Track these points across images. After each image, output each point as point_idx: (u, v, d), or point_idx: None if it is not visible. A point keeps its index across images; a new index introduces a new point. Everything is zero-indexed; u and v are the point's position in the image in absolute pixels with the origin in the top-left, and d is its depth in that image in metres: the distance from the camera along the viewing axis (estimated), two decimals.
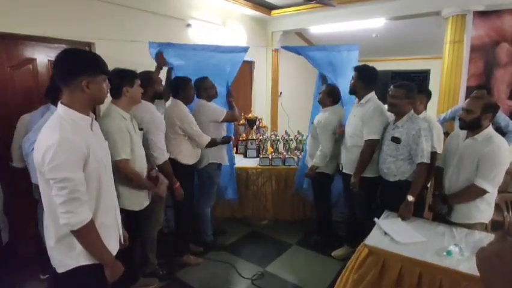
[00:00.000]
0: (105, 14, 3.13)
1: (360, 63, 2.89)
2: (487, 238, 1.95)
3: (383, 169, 2.50)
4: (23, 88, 2.74)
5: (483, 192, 2.03)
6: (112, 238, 1.51)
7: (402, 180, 2.39)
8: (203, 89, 2.92)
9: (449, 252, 1.73)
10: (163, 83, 2.75)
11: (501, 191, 2.43)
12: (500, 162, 2.00)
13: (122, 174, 1.98)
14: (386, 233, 1.98)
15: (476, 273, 1.50)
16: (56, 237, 1.35)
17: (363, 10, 4.18)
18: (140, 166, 2.17)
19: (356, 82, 2.72)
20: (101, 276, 1.44)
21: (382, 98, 2.68)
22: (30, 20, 2.64)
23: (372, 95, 2.68)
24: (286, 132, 4.07)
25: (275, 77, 5.50)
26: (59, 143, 1.22)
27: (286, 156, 3.71)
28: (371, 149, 2.59)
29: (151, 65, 2.88)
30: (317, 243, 3.25)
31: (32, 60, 2.79)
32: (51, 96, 2.27)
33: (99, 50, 2.86)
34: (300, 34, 5.86)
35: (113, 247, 1.51)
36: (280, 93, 5.61)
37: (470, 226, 2.10)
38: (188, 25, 3.99)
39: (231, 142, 3.27)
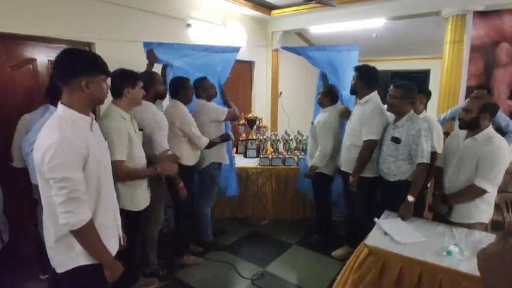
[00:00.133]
0: (105, 14, 3.13)
1: (361, 63, 2.89)
2: (486, 238, 1.95)
3: (383, 169, 2.50)
4: (23, 88, 2.74)
5: (483, 192, 2.03)
6: (112, 238, 1.51)
7: (402, 180, 2.39)
8: (203, 89, 2.92)
9: (449, 252, 1.73)
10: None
11: (501, 190, 2.44)
12: (500, 162, 2.01)
13: (118, 175, 1.96)
14: (386, 233, 1.98)
15: (476, 273, 1.50)
16: (55, 237, 1.35)
17: (363, 10, 4.18)
18: (140, 167, 2.16)
19: (356, 82, 2.72)
20: (100, 277, 1.44)
21: (382, 98, 2.68)
22: (30, 20, 2.64)
23: (372, 95, 2.68)
24: (286, 132, 4.07)
25: (275, 77, 5.50)
26: (58, 143, 1.22)
27: (286, 156, 3.71)
28: (370, 150, 2.59)
29: (157, 66, 2.89)
30: (317, 243, 3.26)
31: (32, 60, 2.79)
32: (51, 96, 2.27)
33: (99, 50, 2.86)
34: (300, 34, 5.86)
35: (113, 247, 1.51)
36: (280, 93, 5.61)
37: (470, 226, 2.10)
38: (188, 25, 3.99)
39: (231, 141, 3.27)
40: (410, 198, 2.23)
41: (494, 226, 2.55)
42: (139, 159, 2.15)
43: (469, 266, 1.62)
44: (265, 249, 3.25)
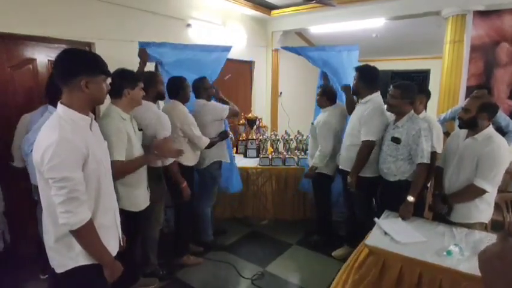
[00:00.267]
0: (105, 14, 3.13)
1: (361, 63, 2.89)
2: (486, 238, 1.95)
3: (383, 169, 2.50)
4: (23, 88, 2.74)
5: (482, 192, 2.03)
6: (111, 239, 1.51)
7: (402, 180, 2.40)
8: (203, 88, 2.92)
9: (449, 252, 1.73)
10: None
11: (501, 190, 2.43)
12: (499, 162, 2.01)
13: (117, 176, 1.95)
14: (386, 233, 1.98)
15: (476, 273, 1.51)
16: (55, 237, 1.35)
17: (363, 10, 4.18)
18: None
19: (357, 82, 2.72)
20: (100, 277, 1.44)
21: (382, 98, 2.68)
22: (31, 20, 2.64)
23: (374, 96, 2.67)
24: (286, 132, 4.07)
25: (275, 77, 5.50)
26: (58, 143, 1.22)
27: (286, 156, 3.71)
28: (368, 150, 2.59)
29: (150, 65, 2.88)
30: (317, 243, 3.26)
31: (32, 60, 2.79)
32: (50, 96, 2.27)
33: (99, 50, 2.86)
34: (300, 34, 5.86)
35: (113, 247, 1.51)
36: (280, 93, 5.61)
37: (469, 226, 2.10)
38: (188, 25, 3.99)
39: (230, 140, 3.27)
40: (410, 198, 2.23)
41: (494, 226, 2.55)
42: None
43: (469, 266, 1.62)
44: (266, 249, 3.25)
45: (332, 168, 3.09)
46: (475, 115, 2.04)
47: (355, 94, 2.83)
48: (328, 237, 3.26)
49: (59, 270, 1.39)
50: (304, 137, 3.93)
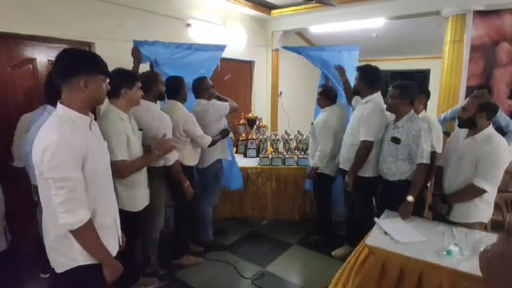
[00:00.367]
0: (105, 13, 3.13)
1: (362, 63, 2.89)
2: (486, 238, 1.95)
3: (383, 169, 2.50)
4: (23, 88, 2.74)
5: (482, 191, 2.03)
6: (111, 239, 1.51)
7: (402, 180, 2.40)
8: (204, 89, 2.92)
9: (449, 252, 1.73)
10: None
11: (501, 190, 2.43)
12: (499, 161, 2.01)
13: (121, 176, 1.96)
14: (386, 233, 1.98)
15: (476, 272, 1.51)
16: (54, 236, 1.35)
17: (363, 10, 4.18)
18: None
19: (358, 82, 2.73)
20: (100, 276, 1.44)
21: (383, 98, 2.68)
22: (30, 19, 2.64)
23: (374, 96, 2.67)
24: (286, 132, 4.07)
25: (275, 77, 5.50)
26: (58, 143, 1.23)
27: (286, 156, 3.71)
28: (366, 150, 2.60)
29: (146, 65, 2.88)
30: (317, 243, 3.26)
31: (32, 60, 2.78)
32: (49, 96, 2.26)
33: (99, 50, 2.86)
34: (300, 34, 5.86)
35: (113, 247, 1.51)
36: (280, 92, 5.61)
37: (469, 225, 2.11)
38: (188, 25, 3.98)
39: (230, 138, 3.28)
40: (410, 198, 2.23)
41: (494, 226, 2.55)
42: None
43: (469, 266, 1.62)
44: (266, 249, 3.25)
45: (332, 168, 3.08)
46: (474, 114, 2.05)
47: (356, 94, 2.84)
48: (328, 237, 3.26)
49: (59, 270, 1.39)
50: (304, 137, 3.93)
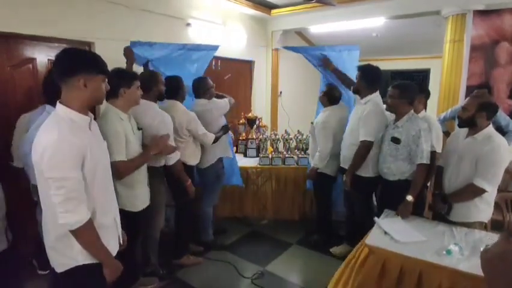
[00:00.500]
0: (105, 13, 3.12)
1: (362, 63, 2.89)
2: (486, 237, 1.95)
3: (383, 168, 2.50)
4: (22, 88, 2.74)
5: (482, 191, 2.03)
6: (111, 238, 1.51)
7: (402, 179, 2.40)
8: (206, 89, 2.93)
9: (449, 252, 1.73)
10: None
11: (501, 190, 2.43)
12: (499, 161, 2.01)
13: (119, 176, 1.95)
14: (386, 233, 1.98)
15: (476, 272, 1.51)
16: (55, 236, 1.35)
17: (363, 9, 4.17)
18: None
19: (359, 82, 2.73)
20: (100, 276, 1.44)
21: (382, 97, 2.68)
22: (30, 19, 2.63)
23: (372, 96, 2.68)
24: (286, 132, 4.07)
25: (275, 77, 5.50)
26: (57, 143, 1.23)
27: (286, 155, 3.71)
28: (366, 150, 2.60)
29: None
30: (317, 242, 3.26)
31: (32, 60, 2.78)
32: (47, 96, 2.26)
33: (99, 50, 2.86)
34: (300, 33, 5.86)
35: (113, 247, 1.51)
36: (280, 92, 5.61)
37: (469, 225, 2.11)
38: (188, 24, 3.98)
39: (231, 137, 3.28)
40: (409, 198, 2.23)
41: (494, 225, 2.55)
42: None
43: (469, 265, 1.63)
44: (265, 248, 3.25)
45: (333, 168, 3.08)
46: (474, 114, 2.05)
47: (355, 93, 2.84)
48: (328, 236, 3.26)
49: (59, 269, 1.39)
50: (304, 137, 3.93)
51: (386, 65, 6.53)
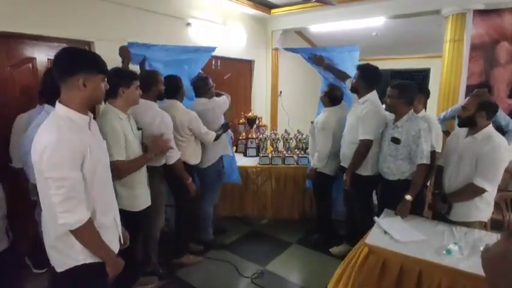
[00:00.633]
0: (105, 13, 3.12)
1: (362, 63, 2.89)
2: (486, 237, 1.96)
3: (383, 168, 2.50)
4: (22, 87, 2.74)
5: (482, 191, 2.03)
6: (112, 238, 1.51)
7: (402, 179, 2.40)
8: (206, 88, 2.94)
9: (448, 251, 1.73)
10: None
11: (501, 189, 2.43)
12: (499, 161, 2.01)
13: (118, 176, 1.94)
14: (385, 232, 1.98)
15: (476, 271, 1.51)
16: (55, 235, 1.35)
17: (363, 9, 4.17)
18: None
19: (357, 81, 2.73)
20: (100, 275, 1.44)
21: (382, 97, 2.68)
22: (30, 19, 2.63)
23: (370, 95, 2.68)
24: (286, 131, 4.07)
25: (275, 76, 5.50)
26: (57, 142, 1.23)
27: (286, 155, 3.71)
28: (365, 149, 2.61)
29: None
30: (317, 242, 3.26)
31: (32, 59, 2.78)
32: (46, 95, 2.25)
33: (98, 49, 2.86)
34: (300, 33, 5.85)
35: (114, 247, 1.51)
36: (280, 92, 5.60)
37: (469, 225, 2.11)
38: (188, 24, 3.98)
39: (230, 137, 3.29)
40: (408, 197, 2.23)
41: (494, 225, 2.55)
42: None
43: (469, 265, 1.63)
44: (265, 248, 3.25)
45: (332, 167, 3.09)
46: (474, 114, 2.05)
47: (354, 92, 2.84)
48: (328, 236, 3.26)
49: (59, 269, 1.39)
50: (304, 136, 3.93)
51: (386, 64, 6.53)
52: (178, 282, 2.70)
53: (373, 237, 1.94)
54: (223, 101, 3.04)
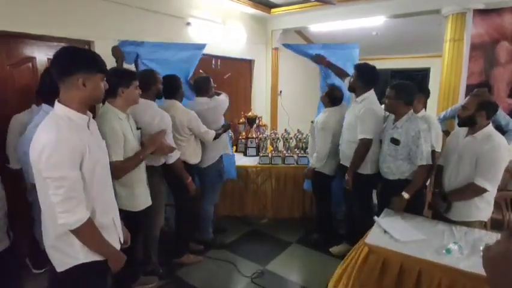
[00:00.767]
0: (105, 12, 3.12)
1: (361, 62, 2.89)
2: (486, 236, 1.96)
3: (383, 168, 2.50)
4: (22, 86, 2.74)
5: (483, 191, 2.03)
6: (110, 238, 1.49)
7: (402, 179, 2.40)
8: (209, 88, 2.95)
9: (448, 250, 1.73)
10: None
11: (500, 189, 2.43)
12: (499, 160, 2.01)
13: (116, 176, 1.93)
14: (385, 231, 1.98)
15: (475, 271, 1.51)
16: (55, 235, 1.34)
17: (363, 8, 4.17)
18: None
19: (355, 81, 2.73)
20: (101, 274, 1.44)
21: (381, 96, 2.68)
22: (30, 18, 2.63)
23: (367, 94, 2.69)
24: (286, 131, 4.07)
25: (275, 76, 5.50)
26: (56, 142, 1.22)
27: (286, 154, 3.71)
28: (365, 148, 2.61)
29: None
30: (317, 241, 3.26)
31: (32, 59, 2.78)
32: (44, 95, 2.25)
33: (98, 49, 2.86)
34: (300, 32, 5.85)
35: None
36: (280, 91, 5.60)
37: (469, 224, 2.11)
38: (188, 24, 3.98)
39: (230, 136, 3.30)
40: (405, 195, 2.24)
41: (494, 224, 2.55)
42: None
43: (468, 264, 1.63)
44: (265, 247, 3.25)
45: (331, 167, 3.09)
46: (473, 113, 2.05)
47: (351, 91, 2.85)
48: (328, 235, 3.26)
49: (59, 269, 1.38)
50: (304, 136, 3.93)
51: (386, 64, 6.53)
52: (178, 282, 2.70)
53: (373, 237, 1.94)
54: (223, 98, 3.05)
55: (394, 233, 1.93)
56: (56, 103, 1.33)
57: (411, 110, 2.41)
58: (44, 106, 2.23)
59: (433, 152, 2.40)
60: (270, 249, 3.21)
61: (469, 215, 2.14)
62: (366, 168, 2.67)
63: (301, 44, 4.77)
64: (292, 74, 5.91)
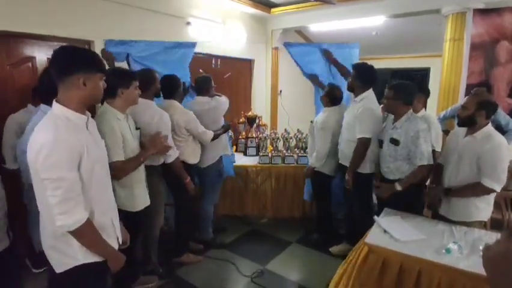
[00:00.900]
0: (105, 12, 3.12)
1: (359, 62, 2.90)
2: (486, 236, 1.96)
3: (383, 168, 2.50)
4: (22, 86, 2.74)
5: (491, 191, 2.03)
6: (109, 239, 1.49)
7: (401, 179, 2.40)
8: (210, 87, 2.96)
9: (448, 250, 1.73)
10: None
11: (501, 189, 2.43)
12: (501, 159, 2.00)
13: (116, 177, 1.93)
14: (385, 231, 1.98)
15: (475, 270, 1.51)
16: (53, 235, 1.34)
17: (363, 8, 4.17)
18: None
19: (353, 80, 2.74)
20: (100, 275, 1.44)
21: (381, 96, 2.68)
22: (30, 18, 2.63)
23: (366, 94, 2.69)
24: (286, 131, 4.07)
25: (275, 75, 5.49)
26: (53, 142, 1.21)
27: (286, 154, 3.71)
28: (363, 147, 2.61)
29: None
30: (317, 241, 3.26)
31: (32, 59, 2.78)
32: (42, 95, 2.24)
33: (98, 49, 2.85)
34: (300, 32, 5.85)
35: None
36: (280, 91, 5.60)
37: (469, 224, 2.10)
38: (188, 23, 3.98)
39: (230, 136, 3.30)
40: (398, 186, 2.27)
41: (494, 224, 2.55)
42: None
43: (468, 264, 1.63)
44: (265, 247, 3.26)
45: (330, 167, 3.09)
46: (473, 113, 2.04)
47: (350, 91, 2.85)
48: (328, 235, 3.26)
49: (58, 270, 1.37)
50: (304, 135, 3.93)
51: (386, 63, 6.53)
52: (178, 282, 2.70)
53: (373, 237, 1.94)
54: (224, 99, 3.06)
55: (394, 232, 1.94)
56: (54, 103, 1.31)
57: (411, 110, 2.41)
58: (42, 106, 2.23)
59: (433, 151, 2.40)
60: (270, 248, 3.22)
61: (469, 215, 2.14)
62: (365, 168, 2.67)
63: (301, 43, 4.76)
64: (293, 73, 5.88)
